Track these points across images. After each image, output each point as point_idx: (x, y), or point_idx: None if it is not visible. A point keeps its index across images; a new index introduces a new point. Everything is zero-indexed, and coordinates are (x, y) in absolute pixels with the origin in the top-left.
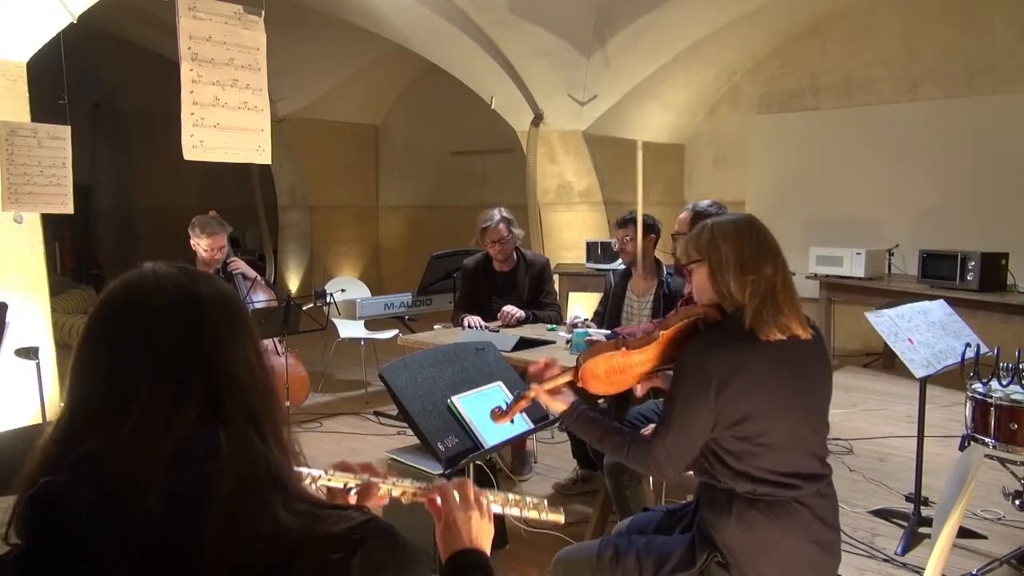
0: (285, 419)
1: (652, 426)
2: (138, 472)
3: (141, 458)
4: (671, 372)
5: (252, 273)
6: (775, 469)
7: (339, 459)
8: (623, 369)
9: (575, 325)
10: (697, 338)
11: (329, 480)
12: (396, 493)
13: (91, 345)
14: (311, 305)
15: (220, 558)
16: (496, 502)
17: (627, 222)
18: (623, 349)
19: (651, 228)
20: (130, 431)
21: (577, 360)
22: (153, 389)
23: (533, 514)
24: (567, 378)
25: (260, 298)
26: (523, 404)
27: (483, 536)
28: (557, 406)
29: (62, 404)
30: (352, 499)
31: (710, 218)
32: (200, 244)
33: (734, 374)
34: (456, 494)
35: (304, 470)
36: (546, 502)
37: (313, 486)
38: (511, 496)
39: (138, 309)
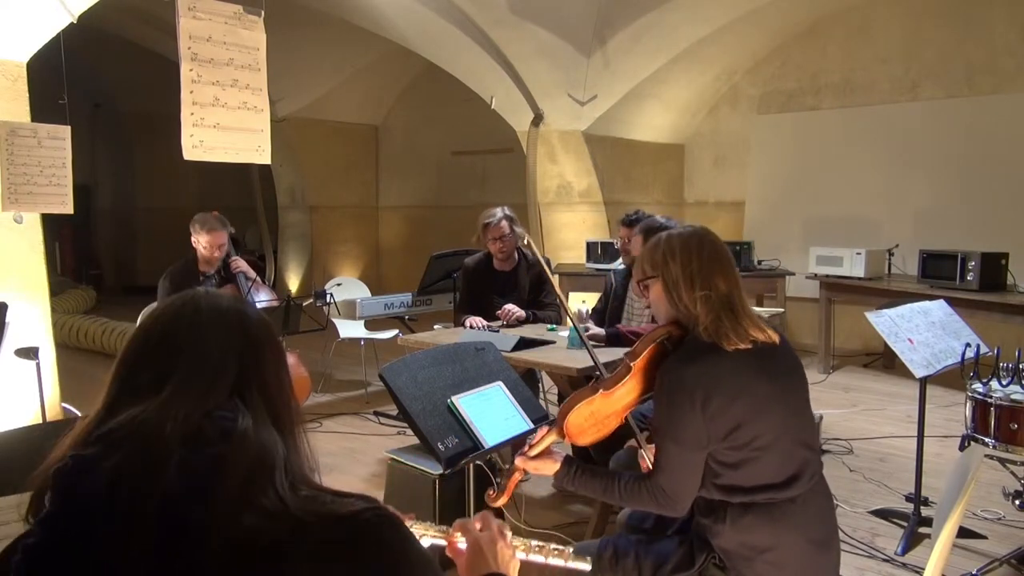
0: (302, 424)
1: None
2: (159, 444)
3: (163, 431)
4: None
5: (253, 273)
6: (773, 472)
7: (339, 460)
8: (606, 412)
9: (580, 314)
10: (667, 361)
11: None
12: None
13: (140, 340)
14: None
15: (228, 533)
16: (519, 548)
17: (632, 222)
18: (600, 391)
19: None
20: (158, 406)
21: (557, 418)
22: (189, 376)
23: (558, 561)
24: (552, 438)
25: (262, 298)
26: (517, 478)
27: (510, 564)
28: (548, 469)
29: (99, 405)
30: None
31: (663, 231)
32: (200, 241)
33: (715, 386)
34: (478, 525)
35: None
36: (571, 549)
37: None
38: (533, 543)
39: (190, 312)
